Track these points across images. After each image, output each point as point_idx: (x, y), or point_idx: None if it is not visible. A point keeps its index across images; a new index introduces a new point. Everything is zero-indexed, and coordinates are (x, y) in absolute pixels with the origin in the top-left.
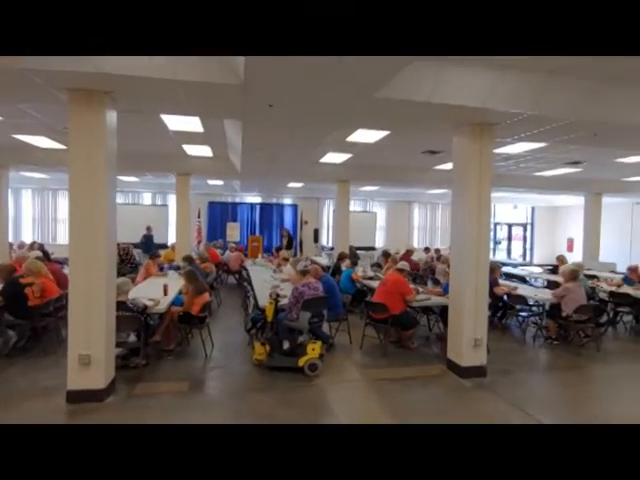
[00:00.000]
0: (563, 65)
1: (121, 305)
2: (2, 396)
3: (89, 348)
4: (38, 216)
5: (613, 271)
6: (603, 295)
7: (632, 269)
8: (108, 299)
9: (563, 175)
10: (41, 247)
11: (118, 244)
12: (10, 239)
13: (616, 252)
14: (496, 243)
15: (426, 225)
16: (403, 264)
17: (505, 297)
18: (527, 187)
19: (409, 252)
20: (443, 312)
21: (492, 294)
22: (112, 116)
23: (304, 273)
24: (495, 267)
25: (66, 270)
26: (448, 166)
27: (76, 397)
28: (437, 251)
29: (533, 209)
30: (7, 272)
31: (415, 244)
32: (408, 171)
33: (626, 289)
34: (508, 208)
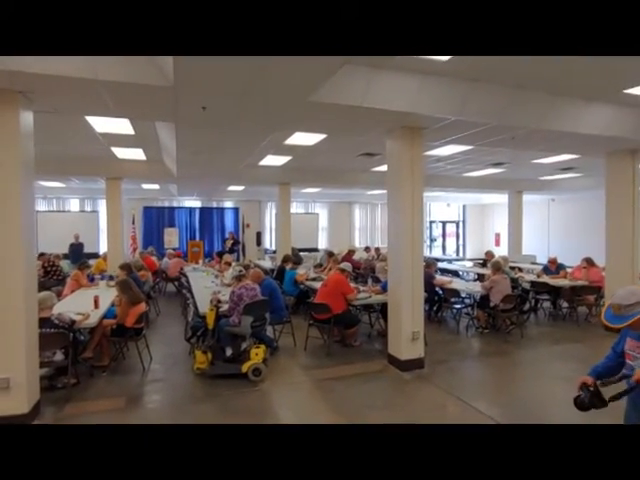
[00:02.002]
0: (484, 72)
1: (45, 321)
2: None
3: (8, 370)
4: None
5: (533, 262)
6: (525, 285)
7: (551, 260)
8: (28, 316)
9: (489, 175)
10: None
11: (42, 255)
12: None
13: (535, 245)
14: (432, 240)
15: (367, 225)
16: (345, 265)
17: (440, 291)
18: (458, 186)
19: (351, 252)
20: (383, 309)
21: (429, 288)
22: (27, 117)
23: (239, 278)
24: (431, 263)
25: None
26: (384, 168)
27: None
28: (377, 250)
29: (464, 207)
30: None
31: (356, 244)
32: (347, 173)
33: (545, 278)
34: (442, 207)
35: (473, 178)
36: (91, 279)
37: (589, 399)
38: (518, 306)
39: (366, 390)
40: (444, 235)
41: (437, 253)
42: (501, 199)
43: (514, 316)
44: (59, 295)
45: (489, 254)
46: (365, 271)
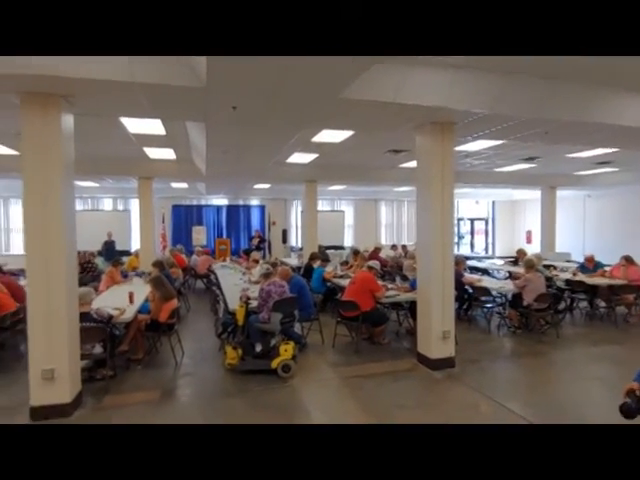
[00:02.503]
0: (518, 65)
1: (85, 316)
2: None
3: (52, 362)
4: None
5: (568, 260)
6: (560, 283)
7: (588, 258)
8: (70, 310)
9: (520, 170)
10: None
11: (78, 252)
12: None
13: (570, 242)
14: (460, 238)
15: (393, 222)
16: (374, 262)
17: (470, 289)
18: (487, 183)
19: (377, 249)
20: (412, 307)
21: (458, 286)
22: (69, 120)
23: (267, 276)
24: (460, 260)
25: (22, 282)
26: (413, 164)
27: (41, 413)
28: (404, 247)
29: (494, 204)
30: None
31: (383, 241)
32: (374, 170)
33: (581, 277)
34: (470, 203)
35: (503, 174)
36: (124, 275)
37: (636, 405)
38: (553, 305)
39: (396, 389)
40: (472, 232)
41: (465, 251)
42: (533, 195)
43: (549, 316)
44: (95, 291)
45: (521, 252)
46: (392, 269)
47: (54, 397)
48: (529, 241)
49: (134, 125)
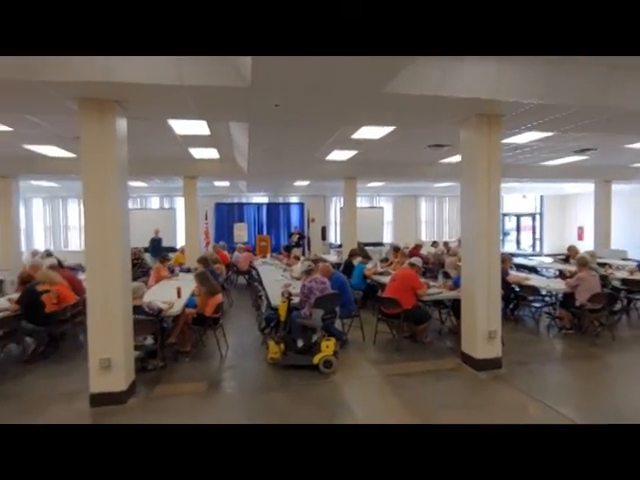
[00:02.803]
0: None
1: (137, 309)
2: (27, 401)
3: (109, 352)
4: (49, 224)
5: (624, 258)
6: (616, 283)
7: None
8: (125, 303)
9: (572, 163)
10: (50, 254)
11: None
12: (22, 248)
13: (626, 239)
14: (504, 234)
15: (433, 219)
16: (416, 259)
17: (517, 288)
18: (535, 176)
19: (418, 246)
20: (455, 305)
21: (504, 285)
22: (122, 123)
23: (309, 272)
24: (505, 258)
25: (80, 276)
26: (455, 159)
27: (99, 400)
28: (446, 244)
29: (542, 198)
30: (24, 280)
31: (423, 238)
32: (414, 165)
33: (639, 276)
34: (516, 198)
35: (553, 167)
36: (171, 271)
37: None
38: (608, 306)
39: (439, 388)
40: (518, 229)
41: (511, 248)
42: (585, 189)
43: (603, 317)
44: (145, 285)
45: (572, 249)
46: (433, 266)
47: (111, 385)
48: (581, 238)
49: (181, 127)
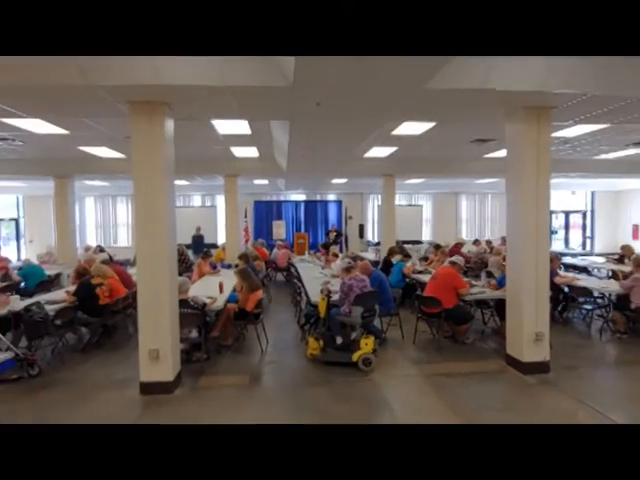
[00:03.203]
0: None
1: (183, 303)
2: (82, 388)
3: (157, 343)
4: (100, 221)
5: None
6: None
7: None
8: (172, 297)
9: (627, 157)
10: (102, 250)
11: None
12: (77, 244)
13: None
14: (552, 233)
15: (474, 216)
16: (457, 257)
17: (566, 289)
18: (586, 172)
19: (459, 245)
20: (498, 306)
21: (551, 286)
22: (170, 124)
23: (348, 270)
24: (554, 257)
25: (128, 270)
26: (500, 154)
27: (148, 389)
28: (488, 243)
29: (593, 194)
30: (79, 274)
31: (463, 236)
32: (456, 161)
33: None
34: (564, 195)
35: (606, 161)
36: (213, 267)
37: None
38: None
39: (483, 390)
40: (567, 227)
41: (558, 247)
42: None
43: None
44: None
45: (626, 248)
46: (475, 265)
47: (159, 375)
48: (635, 236)
49: (223, 126)
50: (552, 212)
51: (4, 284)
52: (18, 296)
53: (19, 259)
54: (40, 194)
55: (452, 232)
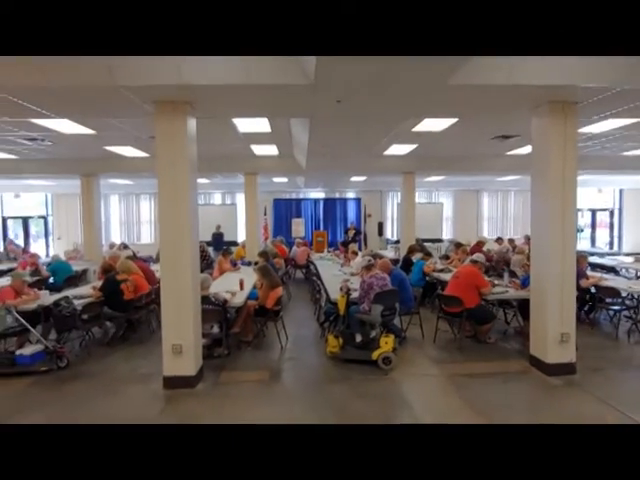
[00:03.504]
0: None
1: (205, 299)
2: (108, 381)
3: (181, 338)
4: (124, 219)
5: None
6: None
7: None
8: (194, 293)
9: None
10: (126, 246)
11: None
12: (102, 241)
13: None
14: (578, 231)
15: (496, 214)
16: (478, 256)
17: (593, 289)
18: (613, 168)
19: (480, 243)
20: (522, 305)
21: (578, 286)
22: (192, 123)
23: (369, 268)
24: (581, 257)
25: (152, 267)
26: (523, 150)
27: (171, 383)
28: (511, 241)
29: (621, 192)
30: (105, 270)
31: (485, 234)
32: (478, 158)
33: None
34: (591, 192)
35: (635, 157)
36: (233, 264)
37: None
38: None
39: (507, 391)
40: (593, 225)
41: (584, 246)
42: None
43: None
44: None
45: None
46: (497, 264)
47: (182, 369)
48: None
49: (244, 124)
50: (578, 210)
51: (34, 279)
52: (47, 291)
53: (47, 255)
54: (67, 192)
55: (473, 230)
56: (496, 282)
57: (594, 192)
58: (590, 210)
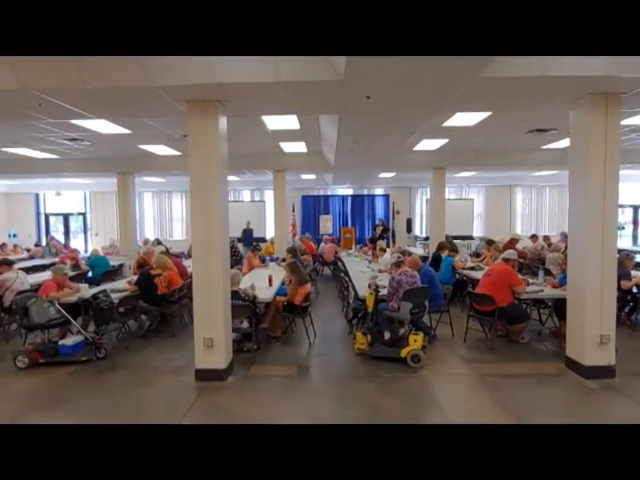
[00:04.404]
0: None
1: (234, 294)
2: (143, 372)
3: (212, 332)
4: (157, 216)
5: None
6: None
7: None
8: (225, 289)
9: None
10: (160, 242)
11: None
12: (137, 236)
13: None
14: (619, 228)
15: (531, 210)
16: (510, 252)
17: (634, 289)
18: None
19: (513, 240)
20: (557, 305)
21: (618, 287)
22: (223, 122)
23: (398, 265)
24: (627, 258)
25: (184, 262)
26: (560, 144)
27: (203, 375)
28: (546, 239)
29: None
30: (140, 265)
31: (518, 231)
32: (511, 153)
33: None
34: (633, 187)
35: None
36: (262, 260)
37: None
38: None
39: (541, 393)
40: (636, 222)
41: (625, 244)
42: None
43: None
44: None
45: None
46: (531, 262)
47: (213, 362)
48: None
49: (273, 122)
50: (620, 206)
51: (74, 273)
52: (86, 284)
53: (86, 250)
54: (104, 190)
55: (506, 227)
56: (530, 280)
57: (637, 187)
58: (632, 206)
